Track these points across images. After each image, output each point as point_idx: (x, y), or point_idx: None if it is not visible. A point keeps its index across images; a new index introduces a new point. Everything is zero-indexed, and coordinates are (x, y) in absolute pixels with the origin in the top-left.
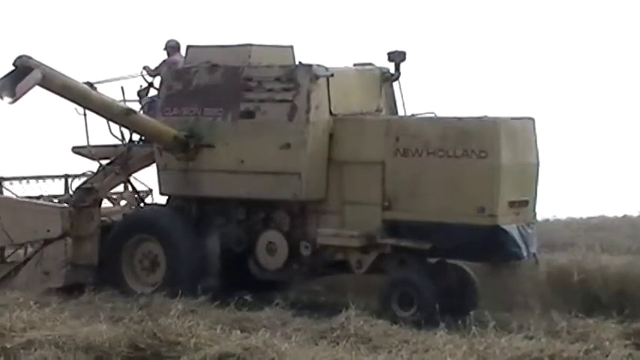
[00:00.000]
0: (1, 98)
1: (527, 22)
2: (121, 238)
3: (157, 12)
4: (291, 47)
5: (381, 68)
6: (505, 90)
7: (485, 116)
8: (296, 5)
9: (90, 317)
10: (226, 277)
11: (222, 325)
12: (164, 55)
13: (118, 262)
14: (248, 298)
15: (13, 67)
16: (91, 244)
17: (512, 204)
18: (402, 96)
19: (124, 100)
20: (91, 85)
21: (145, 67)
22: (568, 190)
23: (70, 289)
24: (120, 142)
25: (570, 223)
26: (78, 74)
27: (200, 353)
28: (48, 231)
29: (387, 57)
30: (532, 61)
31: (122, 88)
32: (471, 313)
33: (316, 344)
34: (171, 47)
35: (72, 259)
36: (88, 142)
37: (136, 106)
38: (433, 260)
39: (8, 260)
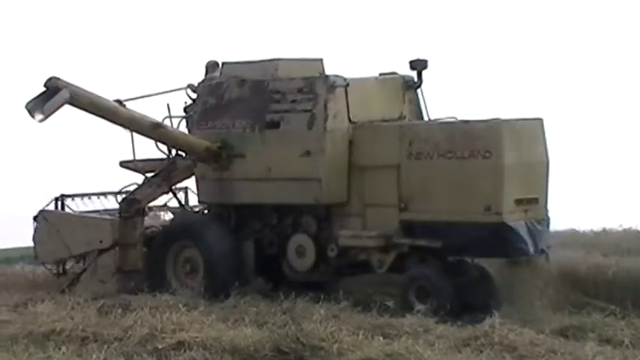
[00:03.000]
0: (33, 117)
1: (554, 25)
2: (165, 245)
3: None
4: (321, 60)
5: (404, 76)
6: (524, 92)
7: (495, 118)
8: (332, 23)
9: (235, 320)
10: (261, 279)
11: (365, 330)
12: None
13: (163, 267)
14: (390, 304)
15: (44, 88)
16: (135, 251)
17: (519, 202)
18: (424, 102)
19: (170, 117)
20: (120, 102)
21: (189, 85)
22: None
23: (216, 293)
24: (165, 156)
25: None
26: (118, 94)
27: (343, 358)
28: (100, 242)
29: (409, 65)
30: (553, 64)
31: (168, 105)
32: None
33: (459, 352)
34: (211, 66)
35: (119, 265)
36: (134, 156)
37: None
38: (453, 259)
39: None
